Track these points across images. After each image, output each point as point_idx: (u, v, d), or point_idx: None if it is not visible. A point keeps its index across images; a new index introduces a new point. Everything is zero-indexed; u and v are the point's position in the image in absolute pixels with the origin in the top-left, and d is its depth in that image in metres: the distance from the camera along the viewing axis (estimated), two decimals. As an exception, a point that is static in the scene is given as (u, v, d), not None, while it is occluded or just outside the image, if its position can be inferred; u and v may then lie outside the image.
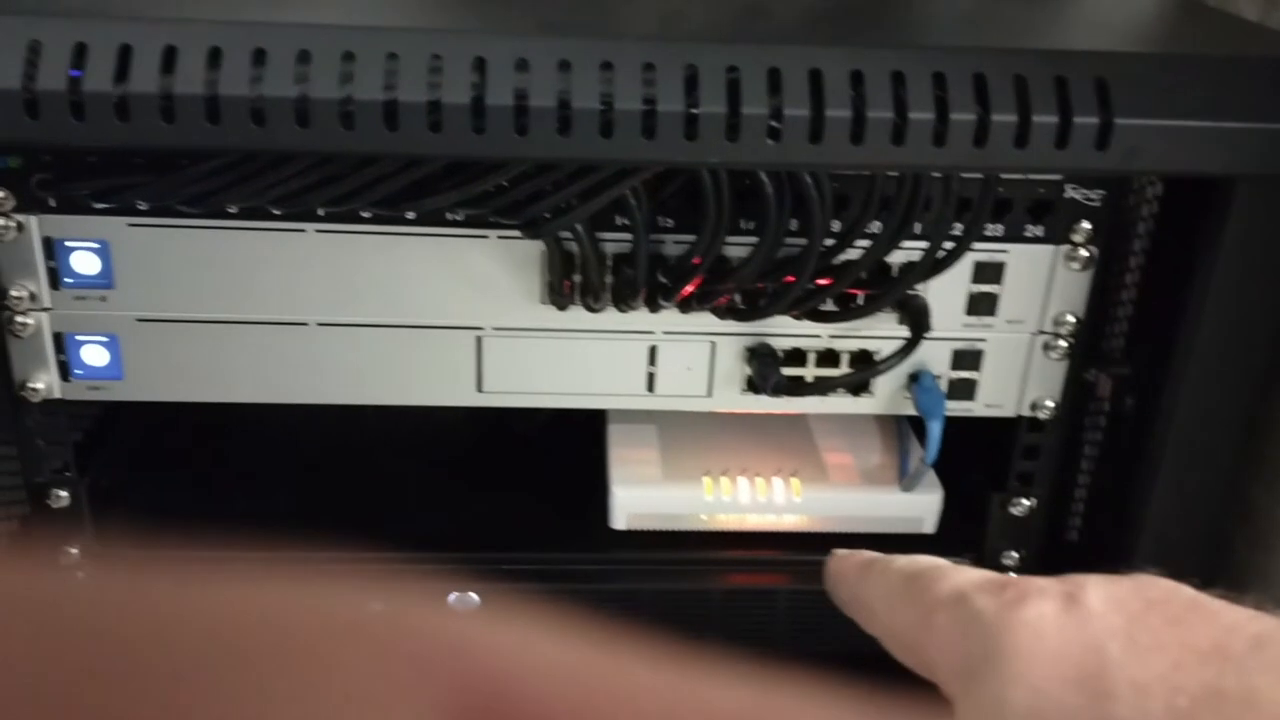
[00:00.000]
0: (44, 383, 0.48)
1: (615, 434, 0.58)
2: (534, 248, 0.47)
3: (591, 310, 0.48)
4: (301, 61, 0.37)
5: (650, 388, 0.51)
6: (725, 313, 0.48)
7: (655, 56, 0.39)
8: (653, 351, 0.50)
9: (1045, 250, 0.49)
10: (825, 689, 0.11)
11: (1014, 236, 0.49)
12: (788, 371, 0.50)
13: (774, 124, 0.39)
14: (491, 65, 0.38)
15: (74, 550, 0.52)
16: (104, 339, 0.48)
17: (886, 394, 0.52)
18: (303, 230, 0.46)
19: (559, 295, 0.48)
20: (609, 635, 0.11)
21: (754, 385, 0.51)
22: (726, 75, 0.39)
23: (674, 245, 0.47)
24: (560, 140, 0.38)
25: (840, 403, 0.52)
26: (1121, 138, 0.39)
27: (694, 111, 0.39)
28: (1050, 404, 0.52)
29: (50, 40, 0.37)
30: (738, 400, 0.52)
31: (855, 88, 0.39)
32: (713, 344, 0.50)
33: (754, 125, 0.39)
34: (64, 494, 0.51)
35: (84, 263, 0.46)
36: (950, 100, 0.39)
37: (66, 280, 0.47)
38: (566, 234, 0.45)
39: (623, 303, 0.47)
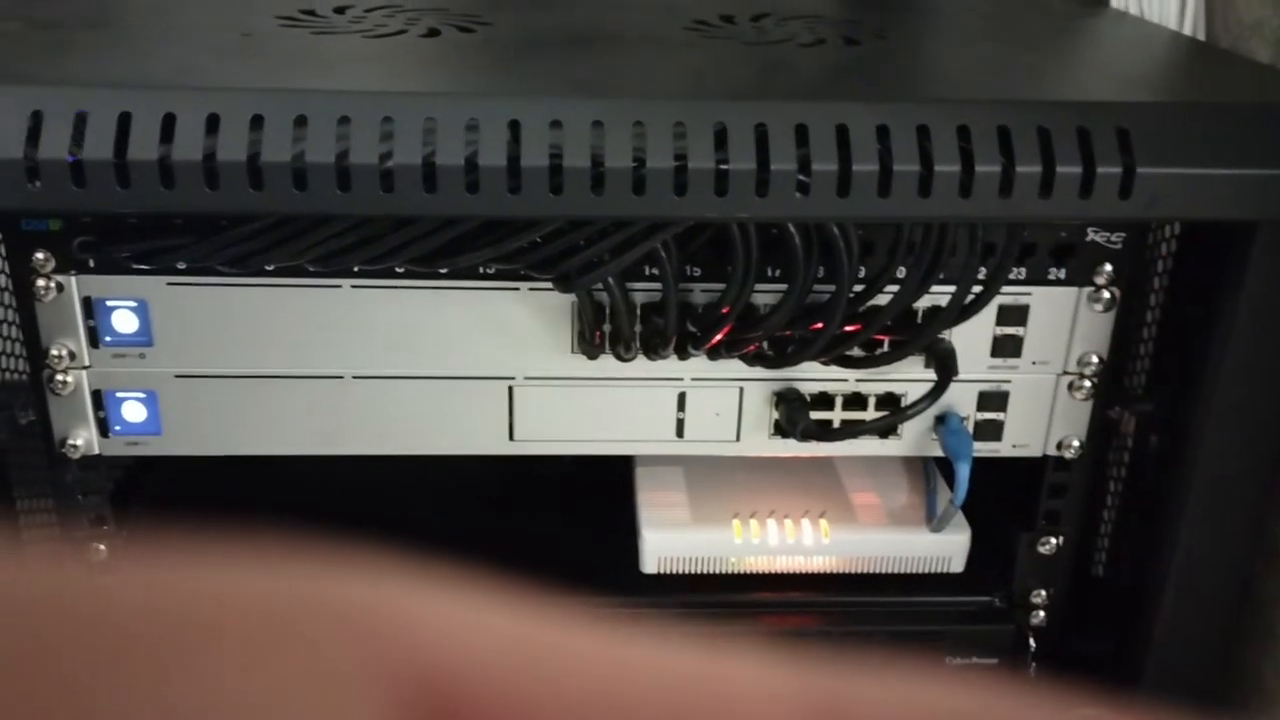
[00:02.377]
0: (83, 439, 0.49)
1: (643, 476, 0.59)
2: (564, 299, 0.48)
3: (622, 359, 0.49)
4: (342, 126, 0.38)
5: (679, 433, 0.52)
6: (754, 360, 0.49)
7: (685, 114, 0.40)
8: (682, 398, 0.51)
9: (1068, 292, 0.50)
10: (774, 659, 0.11)
11: (1037, 279, 0.49)
12: (815, 415, 0.51)
13: (802, 179, 0.40)
14: (526, 127, 0.39)
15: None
16: (142, 395, 0.49)
17: (914, 436, 0.52)
18: (338, 286, 0.47)
19: (589, 345, 0.48)
20: (550, 607, 0.11)
21: (782, 430, 0.51)
22: (755, 131, 0.40)
23: (702, 294, 0.48)
24: (594, 199, 0.39)
25: (867, 445, 0.52)
26: (1144, 186, 0.40)
27: (724, 168, 0.39)
28: (1076, 443, 0.53)
29: (96, 109, 0.38)
30: (766, 445, 0.52)
31: (881, 141, 0.40)
32: (741, 389, 0.51)
33: (783, 180, 0.39)
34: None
35: (123, 321, 0.47)
36: (975, 152, 0.40)
37: (106, 339, 0.48)
38: (597, 286, 0.46)
39: (653, 352, 0.48)
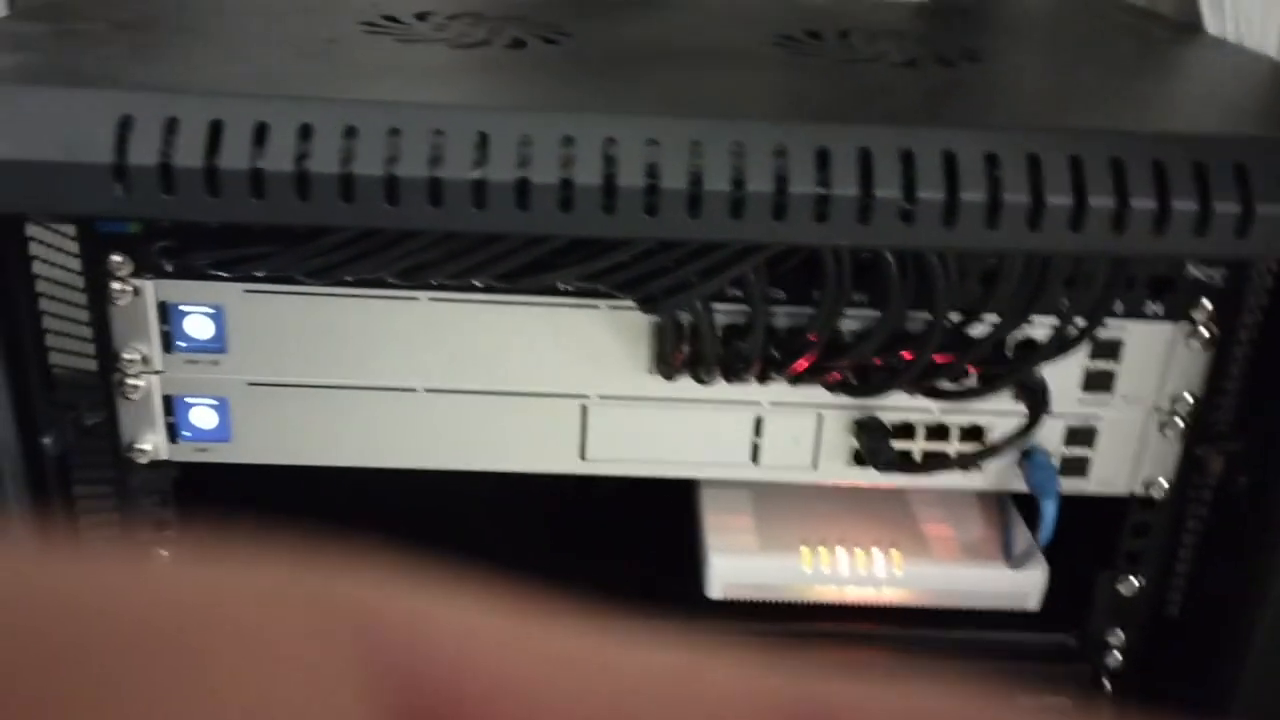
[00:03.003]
0: (151, 444, 0.48)
1: (709, 499, 0.58)
2: (642, 318, 0.47)
3: (701, 382, 0.47)
4: (436, 141, 0.37)
5: (755, 459, 0.50)
6: (838, 387, 0.48)
7: (786, 137, 0.38)
8: (759, 422, 0.50)
9: (1164, 328, 0.48)
10: (761, 660, 0.11)
11: (1134, 313, 0.48)
12: (897, 445, 0.49)
13: (906, 206, 0.38)
14: (622, 145, 0.38)
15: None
16: (214, 402, 0.48)
17: (996, 470, 0.51)
18: (416, 298, 0.46)
19: (668, 366, 0.47)
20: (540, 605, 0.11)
21: (861, 459, 0.50)
22: (858, 156, 0.38)
23: (785, 316, 0.47)
24: (690, 221, 0.38)
25: (947, 478, 0.51)
26: (1262, 225, 0.38)
27: (825, 193, 0.38)
28: (1164, 482, 0.51)
29: (187, 116, 0.37)
30: (843, 473, 0.51)
31: (990, 170, 0.38)
32: (819, 416, 0.50)
33: (886, 208, 0.38)
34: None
35: (198, 327, 0.47)
36: (1088, 185, 0.38)
37: (179, 344, 0.47)
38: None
39: (733, 375, 0.47)
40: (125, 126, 0.37)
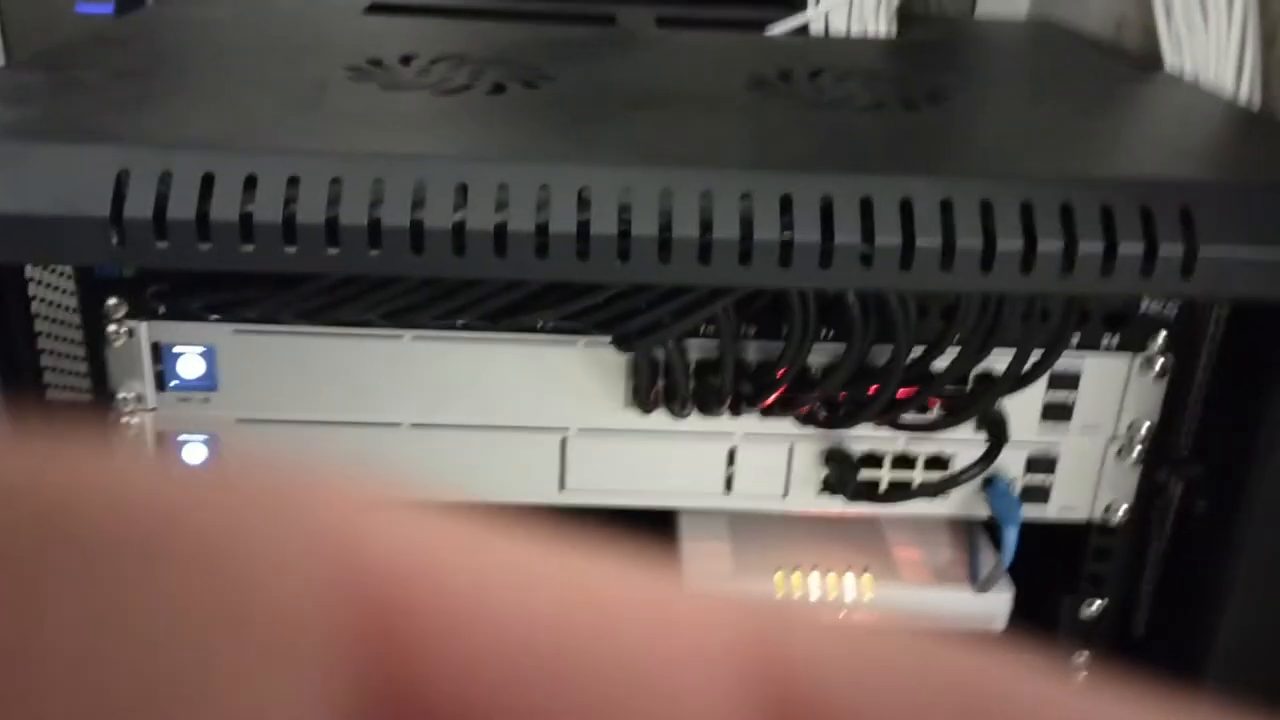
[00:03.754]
0: (145, 478, 0.50)
1: (687, 527, 0.59)
2: (619, 355, 0.49)
3: (676, 416, 0.49)
4: (417, 190, 0.39)
5: (728, 488, 0.52)
6: (807, 419, 0.50)
7: (752, 185, 0.40)
8: (732, 453, 0.52)
9: (1121, 359, 0.50)
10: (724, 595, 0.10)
11: (1090, 345, 0.50)
12: (864, 475, 0.51)
13: (865, 250, 0.40)
14: (596, 194, 0.40)
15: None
16: (204, 439, 0.50)
17: (961, 498, 0.52)
18: (399, 337, 0.48)
19: (644, 401, 0.49)
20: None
21: (831, 487, 0.52)
22: (820, 204, 0.40)
23: (756, 351, 0.49)
24: (661, 267, 0.40)
25: (915, 505, 0.53)
26: (1206, 267, 0.40)
27: (789, 239, 0.40)
28: (1123, 508, 0.53)
29: (181, 171, 0.39)
30: (813, 502, 0.53)
31: (945, 216, 0.40)
32: (790, 446, 0.52)
33: (847, 253, 0.40)
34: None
35: (190, 367, 0.48)
36: (1038, 229, 0.40)
37: (172, 383, 0.49)
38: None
39: (707, 409, 0.49)
40: (122, 181, 0.39)
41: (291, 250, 0.39)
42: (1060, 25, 0.74)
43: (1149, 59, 0.66)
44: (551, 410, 0.50)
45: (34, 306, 0.49)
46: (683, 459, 0.52)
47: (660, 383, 0.49)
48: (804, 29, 0.69)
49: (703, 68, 0.59)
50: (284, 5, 0.69)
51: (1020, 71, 0.64)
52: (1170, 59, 0.64)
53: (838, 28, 0.70)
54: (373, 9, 0.69)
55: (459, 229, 0.39)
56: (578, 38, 0.62)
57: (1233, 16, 0.60)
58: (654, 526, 0.60)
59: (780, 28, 0.70)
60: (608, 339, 0.47)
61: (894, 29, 0.70)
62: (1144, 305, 0.49)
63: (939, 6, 0.82)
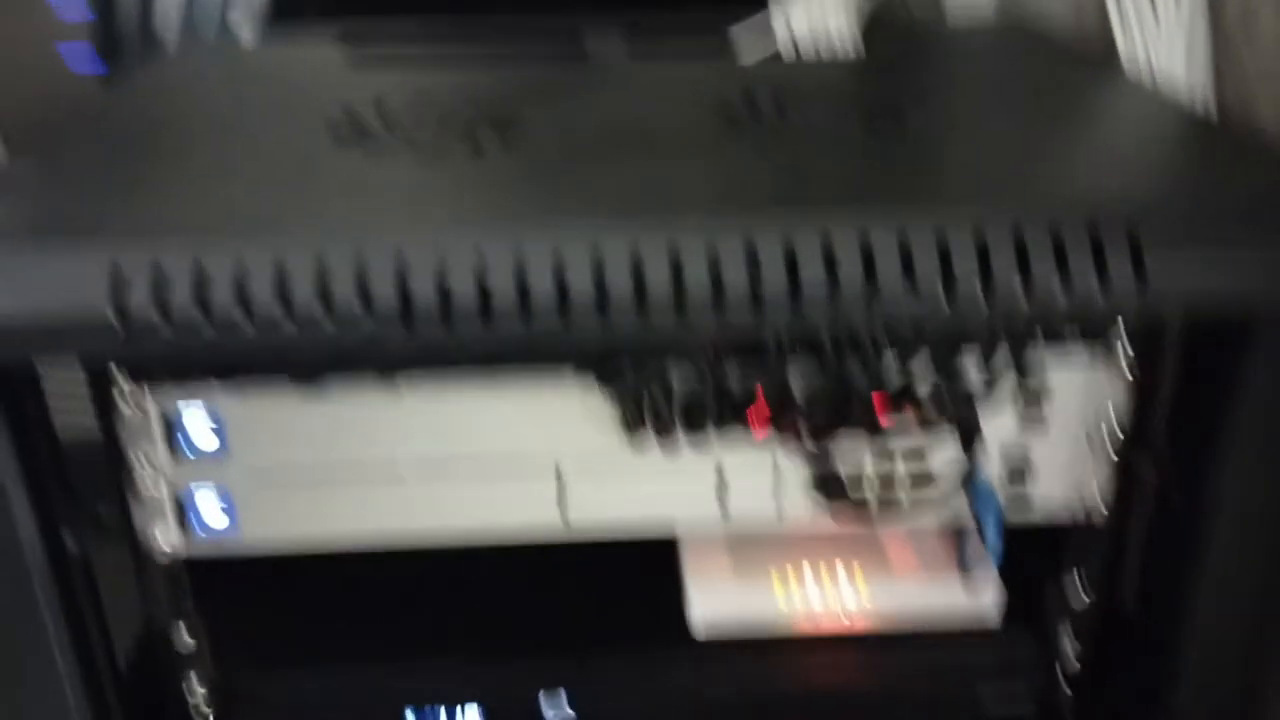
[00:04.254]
0: (166, 541, 0.53)
1: (689, 542, 0.62)
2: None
3: (663, 445, 0.51)
4: (399, 264, 0.41)
5: (724, 512, 0.55)
6: (791, 440, 0.52)
7: (718, 235, 0.42)
8: (721, 477, 0.54)
9: (1091, 365, 0.52)
10: None
11: (1057, 342, 0.52)
12: (853, 496, 0.53)
13: (831, 289, 0.42)
14: (568, 255, 0.42)
15: (202, 690, 0.57)
16: (220, 499, 0.52)
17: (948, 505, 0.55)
18: (395, 384, 0.51)
19: (632, 432, 0.51)
20: None
21: (820, 507, 0.54)
22: (784, 248, 0.42)
23: (739, 380, 0.51)
24: (636, 320, 0.42)
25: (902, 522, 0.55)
26: (1158, 284, 0.43)
27: (757, 285, 0.42)
28: (1102, 505, 0.55)
29: (171, 262, 0.41)
30: (806, 521, 0.55)
31: (902, 252, 0.42)
32: (778, 469, 0.54)
33: (813, 291, 0.42)
34: (189, 639, 0.56)
35: (199, 430, 0.51)
36: (993, 263, 0.42)
37: (183, 446, 0.51)
38: (640, 383, 0.49)
39: (694, 436, 0.51)
40: (117, 275, 0.41)
41: (288, 328, 0.41)
42: (1025, 27, 0.75)
43: (1105, 59, 0.67)
44: (543, 445, 0.52)
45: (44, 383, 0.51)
46: (677, 486, 0.54)
47: (647, 415, 0.51)
48: (768, 30, 0.71)
49: (670, 101, 0.61)
50: (271, 57, 0.71)
51: (981, 85, 0.65)
52: (1125, 57, 0.66)
53: (799, 27, 0.72)
54: (350, 43, 0.71)
55: (443, 299, 0.41)
56: (549, 80, 0.64)
57: (1180, 10, 0.61)
58: (657, 543, 0.62)
59: (742, 28, 0.71)
60: (594, 380, 0.49)
61: (856, 30, 0.72)
62: (1107, 312, 0.51)
63: (906, 10, 0.83)
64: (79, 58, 0.87)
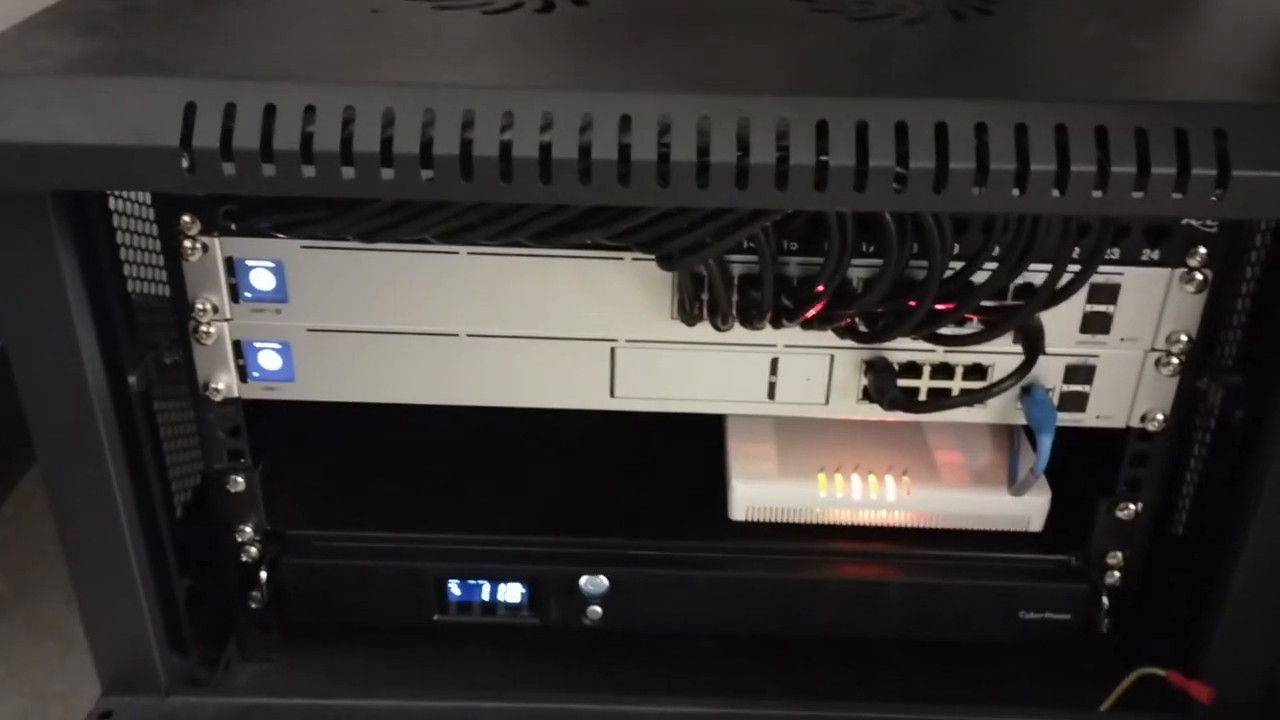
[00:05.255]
0: (224, 383, 0.54)
1: (734, 430, 0.62)
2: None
3: (718, 330, 0.51)
4: (466, 120, 0.41)
5: (771, 396, 0.54)
6: (845, 333, 0.51)
7: (789, 111, 0.41)
8: (774, 363, 0.54)
9: (1161, 273, 0.51)
10: None
11: (1130, 259, 0.50)
12: (903, 383, 0.53)
13: (900, 172, 0.41)
14: (636, 122, 0.41)
15: (248, 529, 0.58)
16: (278, 346, 0.53)
17: (998, 405, 0.54)
18: (456, 252, 0.51)
19: (688, 314, 0.51)
20: None
21: (870, 396, 0.54)
22: (855, 128, 0.41)
23: (798, 266, 0.50)
24: (699, 191, 0.41)
25: (952, 412, 0.54)
26: (1239, 188, 0.41)
27: (824, 161, 0.41)
28: (1160, 416, 0.54)
29: (244, 102, 0.41)
30: (854, 409, 0.55)
31: (979, 139, 0.41)
32: (831, 356, 0.53)
33: (881, 177, 0.41)
34: (240, 479, 0.57)
35: (261, 280, 0.51)
36: (1071, 151, 0.41)
37: (246, 294, 0.52)
38: (698, 261, 0.48)
39: (748, 323, 0.51)
40: (190, 112, 0.41)
41: (350, 174, 0.41)
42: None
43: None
44: (601, 322, 0.53)
45: (116, 220, 0.52)
46: (727, 368, 0.54)
47: (704, 297, 0.51)
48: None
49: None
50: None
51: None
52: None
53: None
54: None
55: (505, 156, 0.41)
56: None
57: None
58: (701, 430, 0.62)
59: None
60: (654, 261, 0.49)
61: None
62: (1184, 220, 0.49)
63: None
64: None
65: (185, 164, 0.41)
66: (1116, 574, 0.59)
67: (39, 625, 0.78)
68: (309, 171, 0.41)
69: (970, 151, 0.41)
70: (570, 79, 0.43)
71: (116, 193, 0.53)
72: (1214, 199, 0.41)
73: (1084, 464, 0.58)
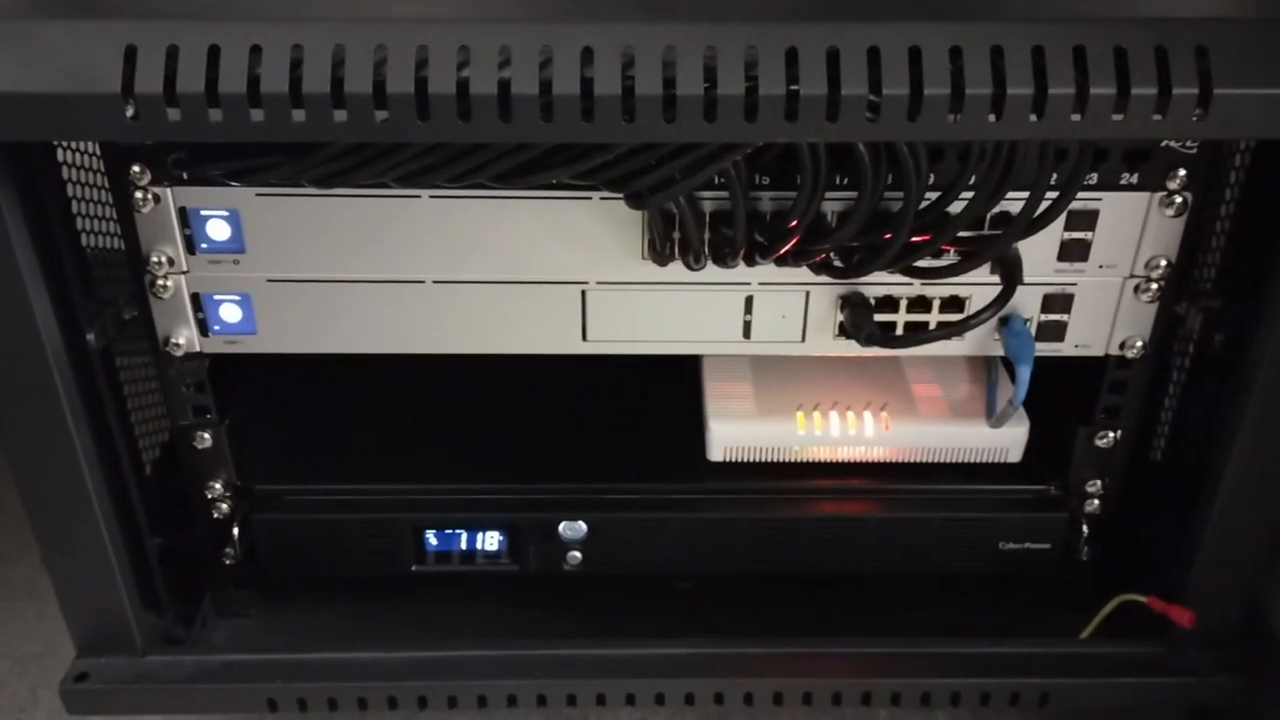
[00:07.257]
0: (185, 338, 0.52)
1: (710, 370, 0.61)
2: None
3: (691, 269, 0.50)
4: (419, 56, 0.39)
5: (746, 335, 0.53)
6: (821, 269, 0.50)
7: (756, 39, 0.40)
8: (749, 301, 0.52)
9: (1140, 197, 0.50)
10: None
11: (1109, 184, 0.49)
12: (879, 318, 0.52)
13: (873, 100, 0.40)
14: (598, 54, 0.39)
15: (218, 485, 0.57)
16: (238, 298, 0.51)
17: (976, 337, 0.53)
18: (418, 196, 0.49)
19: (660, 253, 0.50)
20: None
21: (846, 332, 0.53)
22: (826, 55, 0.40)
23: (770, 201, 0.49)
24: (666, 126, 0.40)
25: (930, 345, 0.53)
26: (1220, 106, 0.40)
27: (794, 91, 0.40)
28: (1139, 343, 0.53)
29: (187, 44, 0.39)
30: (830, 346, 0.54)
31: (954, 63, 0.40)
32: (807, 293, 0.52)
33: (853, 105, 0.40)
34: (206, 435, 0.56)
35: (217, 230, 0.50)
36: (1049, 73, 0.39)
37: (202, 246, 0.50)
38: (668, 198, 0.47)
39: (721, 261, 0.49)
40: (131, 55, 0.39)
41: (300, 117, 0.40)
42: None
43: None
44: (570, 264, 0.51)
45: (65, 173, 0.50)
46: (701, 308, 0.53)
47: (675, 235, 0.49)
48: None
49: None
50: None
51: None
52: None
53: None
54: None
55: (463, 93, 0.39)
56: None
57: None
58: (677, 371, 0.62)
59: None
60: (622, 199, 0.47)
61: None
62: (1163, 142, 0.48)
63: None
64: None
65: (130, 112, 0.39)
66: (1096, 502, 0.59)
67: (11, 587, 0.77)
68: (258, 116, 0.39)
69: (945, 77, 0.40)
70: (528, 9, 0.41)
71: (64, 144, 0.51)
72: (1195, 119, 0.40)
73: (1062, 393, 0.58)
